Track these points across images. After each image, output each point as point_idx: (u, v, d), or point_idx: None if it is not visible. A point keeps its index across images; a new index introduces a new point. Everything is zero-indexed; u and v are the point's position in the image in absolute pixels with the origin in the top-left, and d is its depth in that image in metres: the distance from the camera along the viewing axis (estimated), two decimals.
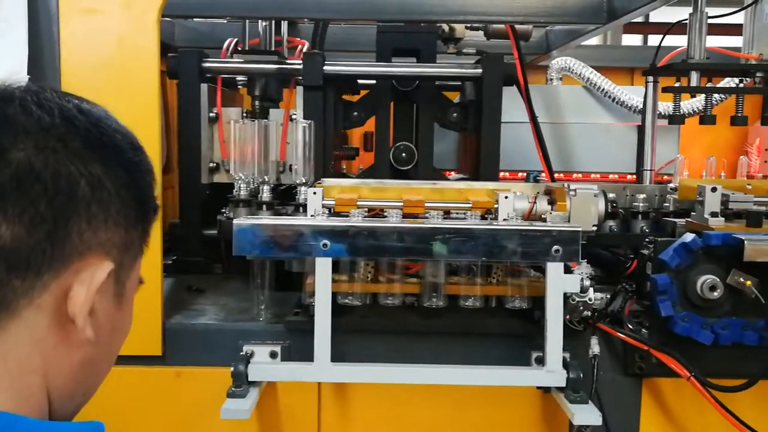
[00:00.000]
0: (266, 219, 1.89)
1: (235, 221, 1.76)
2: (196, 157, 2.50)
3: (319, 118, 2.36)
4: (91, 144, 0.78)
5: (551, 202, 1.91)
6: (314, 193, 1.93)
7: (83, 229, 0.77)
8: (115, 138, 0.82)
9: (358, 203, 1.93)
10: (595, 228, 1.89)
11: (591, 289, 1.80)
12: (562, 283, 1.76)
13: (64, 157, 0.76)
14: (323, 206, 1.91)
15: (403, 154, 2.54)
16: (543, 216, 1.86)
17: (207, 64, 2.49)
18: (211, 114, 2.52)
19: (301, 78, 2.42)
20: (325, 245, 1.73)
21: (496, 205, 1.90)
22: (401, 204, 1.93)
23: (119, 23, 1.85)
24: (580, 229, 1.76)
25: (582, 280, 1.77)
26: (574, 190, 1.87)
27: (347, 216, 1.87)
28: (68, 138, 0.77)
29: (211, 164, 2.53)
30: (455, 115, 2.59)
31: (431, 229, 1.76)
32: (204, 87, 2.50)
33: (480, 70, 2.47)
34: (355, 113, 2.52)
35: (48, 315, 0.76)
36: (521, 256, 1.77)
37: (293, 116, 2.45)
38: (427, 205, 1.93)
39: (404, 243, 1.75)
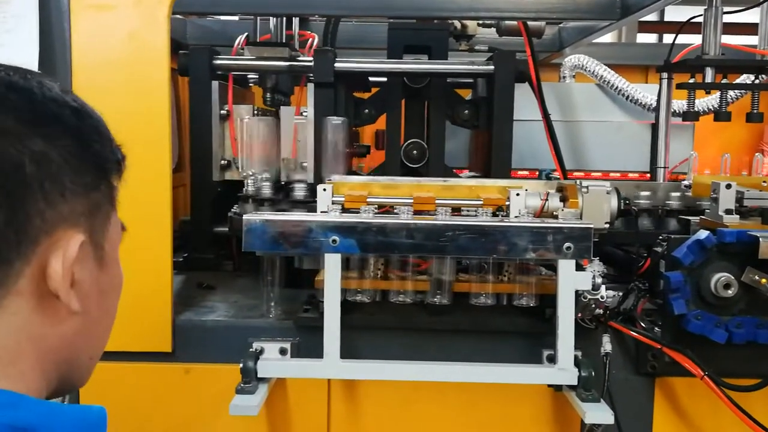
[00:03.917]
0: (276, 215, 1.88)
1: (244, 217, 1.75)
2: (207, 154, 2.50)
3: (329, 116, 2.35)
4: (26, 120, 0.75)
5: (563, 200, 1.89)
6: (324, 189, 1.92)
7: (42, 209, 0.75)
8: (50, 107, 0.78)
9: (368, 200, 1.92)
10: (607, 225, 1.87)
11: (603, 287, 1.79)
12: (574, 280, 1.74)
13: (1, 139, 0.72)
14: (333, 203, 1.90)
15: (414, 152, 2.52)
16: (555, 213, 1.85)
17: (218, 61, 2.50)
18: (222, 111, 2.52)
19: (311, 75, 2.41)
20: (334, 241, 1.72)
21: (507, 203, 1.88)
22: (411, 201, 1.92)
23: (130, 19, 1.85)
24: (591, 225, 1.74)
25: (594, 277, 1.76)
26: (587, 187, 1.85)
27: (357, 213, 1.86)
28: (1, 119, 0.73)
29: (222, 161, 2.53)
30: (466, 112, 2.57)
31: (442, 225, 1.75)
32: (215, 84, 2.51)
33: (492, 67, 2.45)
34: (366, 111, 2.50)
35: (29, 298, 0.76)
36: (532, 253, 1.75)
37: (304, 113, 2.44)
38: (437, 202, 1.92)
39: (414, 240, 1.74)
